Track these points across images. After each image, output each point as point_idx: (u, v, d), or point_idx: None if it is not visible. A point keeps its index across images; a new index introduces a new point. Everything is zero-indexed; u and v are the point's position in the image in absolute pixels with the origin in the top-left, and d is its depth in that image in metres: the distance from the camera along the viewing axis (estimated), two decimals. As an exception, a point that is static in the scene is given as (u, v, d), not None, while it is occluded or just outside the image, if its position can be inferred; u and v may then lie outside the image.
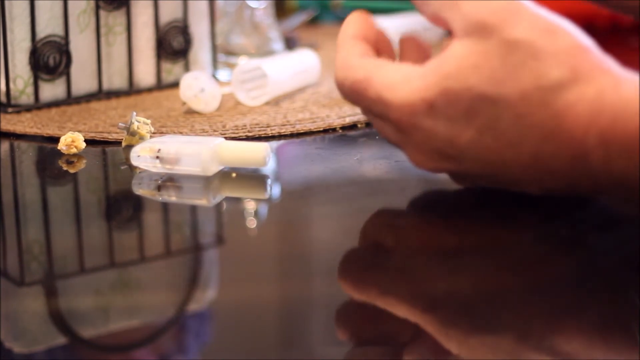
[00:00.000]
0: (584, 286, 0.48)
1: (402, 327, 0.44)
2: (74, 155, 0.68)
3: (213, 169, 0.61)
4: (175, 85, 0.82)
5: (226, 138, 0.65)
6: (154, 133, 0.70)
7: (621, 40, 1.00)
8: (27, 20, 0.76)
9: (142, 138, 0.68)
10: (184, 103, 0.76)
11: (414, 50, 0.59)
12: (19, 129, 0.73)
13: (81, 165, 0.67)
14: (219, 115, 0.76)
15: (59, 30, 0.78)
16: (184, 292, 0.49)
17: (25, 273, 0.52)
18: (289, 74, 0.81)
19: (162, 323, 0.46)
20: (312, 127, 0.73)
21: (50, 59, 0.78)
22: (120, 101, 0.81)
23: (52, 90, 0.79)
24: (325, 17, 1.19)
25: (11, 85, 0.77)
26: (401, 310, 0.45)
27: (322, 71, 0.85)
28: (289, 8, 1.20)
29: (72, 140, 0.67)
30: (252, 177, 0.63)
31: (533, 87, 0.50)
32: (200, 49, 0.86)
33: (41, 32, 0.77)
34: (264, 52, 0.91)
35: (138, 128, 0.68)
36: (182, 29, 0.84)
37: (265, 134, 0.71)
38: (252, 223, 0.58)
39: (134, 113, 0.69)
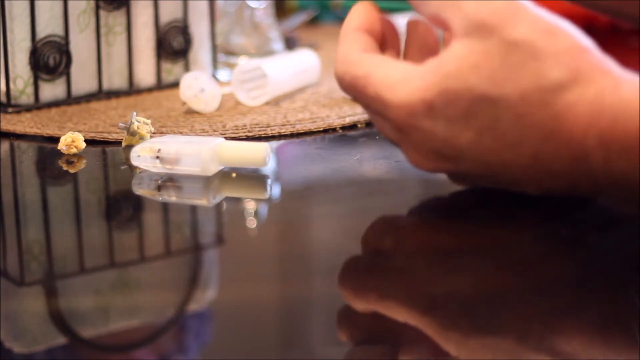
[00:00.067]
0: (584, 286, 0.48)
1: (402, 328, 0.44)
2: (74, 155, 0.68)
3: (213, 169, 0.61)
4: (175, 85, 0.82)
5: (226, 138, 0.65)
6: (154, 133, 0.70)
7: (621, 40, 1.00)
8: (27, 20, 0.76)
9: (142, 138, 0.68)
10: (184, 103, 0.76)
11: (421, 35, 0.58)
12: (19, 129, 0.73)
13: (81, 165, 0.67)
14: (219, 115, 0.76)
15: (59, 30, 0.78)
16: (184, 292, 0.49)
17: (25, 273, 0.52)
18: (289, 74, 0.81)
19: (162, 323, 0.46)
20: (312, 127, 0.73)
21: (50, 59, 0.78)
22: (120, 101, 0.81)
23: (52, 90, 0.79)
24: (325, 17, 1.19)
25: (11, 85, 0.77)
26: (401, 312, 0.45)
27: (322, 71, 0.85)
28: (289, 8, 1.20)
29: (72, 140, 0.67)
30: (252, 177, 0.63)
31: (533, 88, 0.50)
32: (200, 49, 0.86)
33: (41, 32, 0.77)
34: (264, 52, 0.91)
35: (138, 128, 0.68)
36: (182, 29, 0.84)
37: (265, 134, 0.71)
38: (252, 223, 0.58)
39: (134, 113, 0.69)
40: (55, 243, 0.56)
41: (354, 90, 0.55)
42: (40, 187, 0.66)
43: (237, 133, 0.71)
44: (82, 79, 0.80)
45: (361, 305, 0.46)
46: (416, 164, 0.55)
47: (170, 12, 0.84)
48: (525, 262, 0.50)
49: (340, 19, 1.12)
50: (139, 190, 0.62)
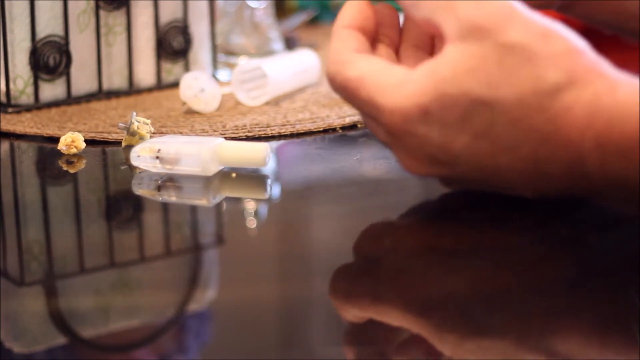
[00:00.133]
0: (584, 286, 0.48)
1: (399, 329, 0.44)
2: (74, 155, 0.68)
3: (213, 169, 0.61)
4: (175, 85, 0.82)
5: (226, 138, 0.65)
6: (154, 133, 0.70)
7: (621, 40, 1.00)
8: (27, 20, 0.76)
9: (142, 138, 0.68)
10: (184, 103, 0.76)
11: (416, 33, 0.58)
12: (19, 129, 0.73)
13: (81, 165, 0.67)
14: (219, 115, 0.76)
15: (59, 30, 0.78)
16: (184, 292, 0.49)
17: (25, 273, 0.52)
18: (289, 74, 0.81)
19: (162, 323, 0.46)
20: (312, 127, 0.73)
21: (50, 59, 0.78)
22: (120, 101, 0.81)
23: (52, 90, 0.79)
24: (325, 17, 1.19)
25: (11, 85, 0.77)
26: (396, 314, 0.45)
27: (322, 71, 0.85)
28: (289, 8, 1.20)
29: (72, 140, 0.67)
30: (252, 177, 0.63)
31: (529, 91, 0.50)
32: (200, 49, 0.86)
33: (41, 32, 0.77)
34: (264, 52, 0.91)
35: (138, 128, 0.68)
36: (182, 29, 0.84)
37: (265, 134, 0.71)
38: (252, 223, 0.58)
39: (134, 113, 0.69)
40: (55, 243, 0.56)
41: (346, 92, 0.54)
42: (40, 187, 0.66)
43: (237, 133, 0.71)
44: (82, 79, 0.80)
45: (356, 310, 0.46)
46: (409, 168, 0.54)
47: (170, 12, 0.84)
48: (525, 262, 0.50)
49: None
50: (139, 190, 0.62)
